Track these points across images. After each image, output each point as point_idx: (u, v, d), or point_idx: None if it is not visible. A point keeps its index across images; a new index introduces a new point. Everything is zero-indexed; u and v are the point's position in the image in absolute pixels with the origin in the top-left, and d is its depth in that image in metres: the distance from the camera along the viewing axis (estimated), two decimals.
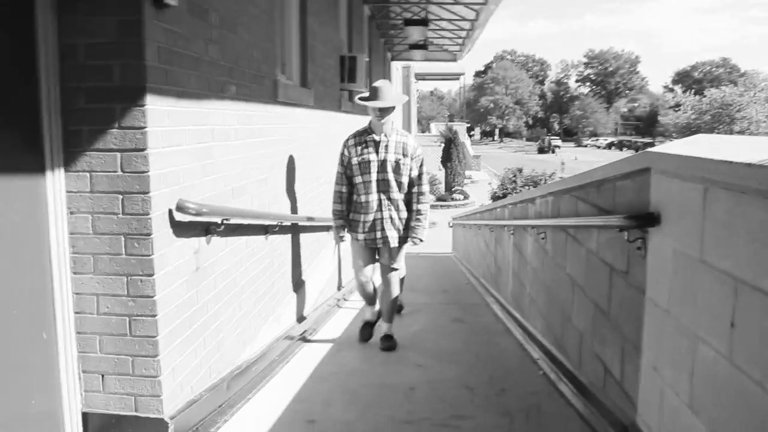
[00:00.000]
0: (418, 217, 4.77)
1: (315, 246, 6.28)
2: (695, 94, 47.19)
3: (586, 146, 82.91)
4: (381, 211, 4.70)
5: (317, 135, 6.53)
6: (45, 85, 2.56)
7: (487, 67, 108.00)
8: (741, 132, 39.38)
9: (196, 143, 3.16)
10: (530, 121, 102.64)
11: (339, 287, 7.41)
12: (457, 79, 57.69)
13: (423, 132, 48.42)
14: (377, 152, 4.66)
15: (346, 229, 4.88)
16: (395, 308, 5.07)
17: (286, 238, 5.13)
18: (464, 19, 16.72)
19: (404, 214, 4.77)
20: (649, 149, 2.59)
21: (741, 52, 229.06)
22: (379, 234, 4.73)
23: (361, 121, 4.77)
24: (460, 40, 20.30)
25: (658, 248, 2.43)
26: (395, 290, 4.93)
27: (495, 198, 21.26)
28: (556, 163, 37.94)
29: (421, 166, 4.77)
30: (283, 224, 4.79)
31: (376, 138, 4.68)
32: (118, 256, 2.71)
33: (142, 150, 2.65)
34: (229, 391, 3.48)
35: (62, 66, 2.61)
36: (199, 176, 3.21)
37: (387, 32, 18.17)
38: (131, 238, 2.70)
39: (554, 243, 4.33)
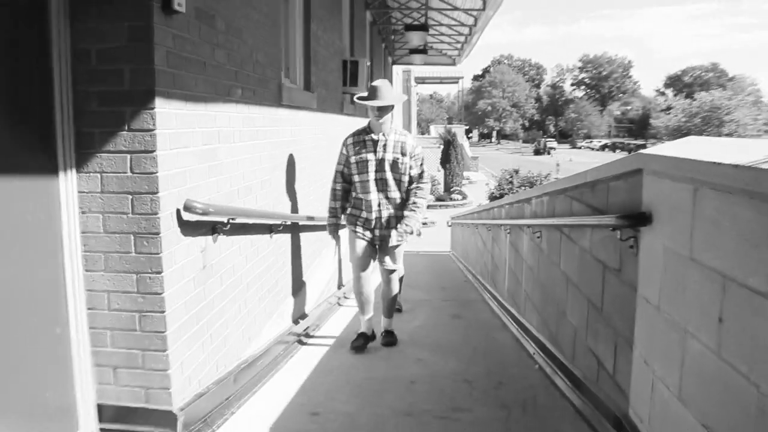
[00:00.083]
0: (413, 208, 4.60)
1: (317, 245, 6.29)
2: (686, 97, 47.28)
3: (580, 148, 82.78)
4: (379, 210, 4.59)
5: (320, 137, 6.54)
6: (58, 88, 2.57)
7: (485, 71, 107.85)
8: (729, 134, 39.40)
9: (202, 145, 3.17)
10: (527, 124, 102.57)
11: (339, 286, 7.42)
12: (456, 82, 57.55)
13: (422, 134, 48.36)
14: (375, 151, 4.55)
15: (339, 229, 4.80)
16: (395, 304, 4.98)
17: (290, 237, 5.13)
18: (463, 25, 16.77)
19: (402, 214, 4.65)
20: (641, 151, 2.60)
21: (729, 57, 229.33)
22: (377, 233, 4.62)
23: (362, 124, 4.76)
24: (458, 45, 20.35)
25: (650, 247, 2.44)
26: (395, 288, 4.86)
27: (492, 198, 21.22)
28: (551, 165, 37.76)
29: (421, 164, 4.64)
30: (287, 224, 4.80)
31: (375, 137, 4.56)
32: (128, 254, 2.73)
33: (151, 152, 2.66)
34: (236, 385, 3.49)
35: (75, 70, 2.62)
36: (206, 177, 3.23)
37: (388, 37, 18.20)
38: (140, 236, 2.71)
39: (549, 241, 4.34)
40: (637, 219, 2.49)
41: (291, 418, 3.33)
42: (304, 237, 5.63)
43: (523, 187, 21.24)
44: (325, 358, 4.47)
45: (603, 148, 78.55)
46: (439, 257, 13.23)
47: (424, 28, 14.87)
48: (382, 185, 4.57)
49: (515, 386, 3.82)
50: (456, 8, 15.18)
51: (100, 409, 2.79)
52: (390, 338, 4.86)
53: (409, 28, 14.80)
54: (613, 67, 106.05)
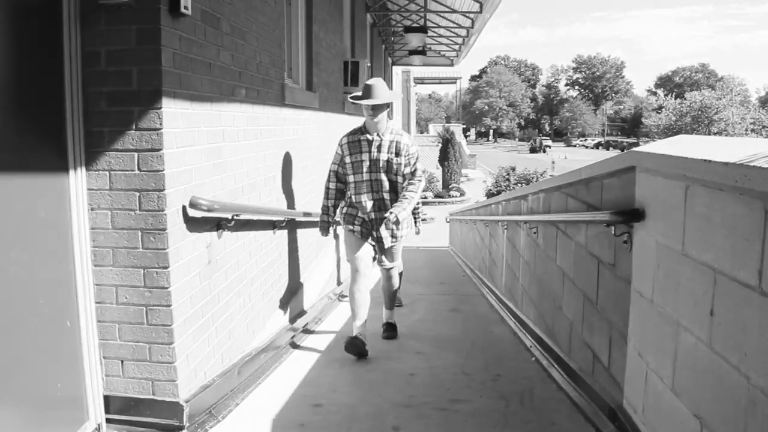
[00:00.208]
0: (401, 200, 4.30)
1: (319, 242, 6.29)
2: (676, 97, 47.13)
3: (575, 146, 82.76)
4: (375, 210, 4.38)
5: (321, 136, 6.53)
6: (69, 89, 2.58)
7: (482, 71, 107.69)
8: (719, 133, 39.38)
9: (208, 143, 3.17)
10: (522, 123, 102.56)
11: (338, 282, 7.41)
12: (454, 82, 57.64)
13: (421, 133, 48.29)
14: (370, 152, 4.33)
15: (332, 228, 4.65)
16: (395, 297, 4.93)
17: (293, 234, 5.13)
18: (461, 27, 16.79)
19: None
20: (634, 149, 2.61)
21: (717, 58, 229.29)
22: (374, 234, 4.46)
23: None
24: (456, 46, 20.33)
25: (643, 242, 2.45)
26: (395, 284, 4.80)
27: (490, 195, 21.23)
28: (547, 162, 37.86)
29: (415, 163, 4.38)
30: (290, 220, 4.80)
31: (370, 137, 4.35)
32: (136, 249, 2.73)
33: (158, 150, 2.66)
34: (240, 377, 3.50)
35: (85, 71, 2.62)
36: (211, 174, 3.23)
37: (388, 39, 18.18)
38: (147, 232, 2.71)
39: (545, 237, 4.34)
40: (630, 215, 2.50)
41: (294, 409, 3.34)
42: (306, 233, 5.63)
43: (519, 184, 21.25)
44: (328, 351, 4.48)
45: (597, 146, 78.58)
46: (438, 253, 13.24)
47: (423, 30, 14.85)
48: (377, 186, 4.36)
49: (513, 378, 3.82)
50: (454, 11, 15.20)
51: (108, 400, 2.79)
52: (391, 332, 4.84)
53: (409, 29, 14.79)
54: (606, 68, 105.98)
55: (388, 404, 3.40)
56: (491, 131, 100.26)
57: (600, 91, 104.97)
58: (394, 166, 4.34)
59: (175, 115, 2.77)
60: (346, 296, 6.37)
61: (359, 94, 4.40)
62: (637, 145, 41.49)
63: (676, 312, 2.11)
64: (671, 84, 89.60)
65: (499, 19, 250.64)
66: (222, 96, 3.37)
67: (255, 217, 3.92)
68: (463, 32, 17.48)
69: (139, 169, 2.68)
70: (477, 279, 8.56)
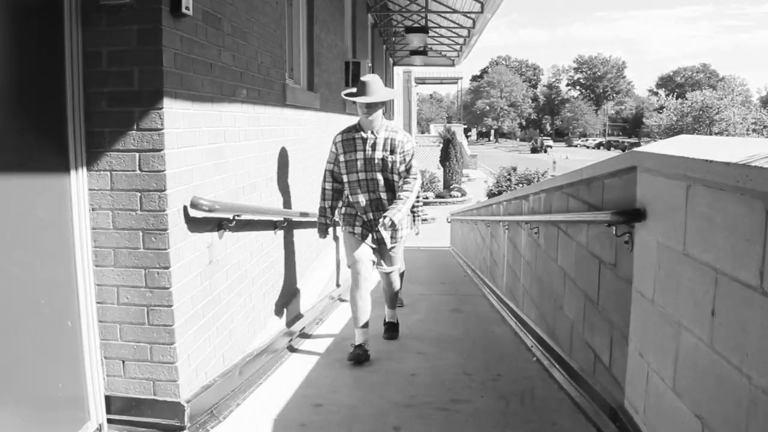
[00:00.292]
0: (396, 202, 4.18)
1: (319, 242, 6.27)
2: (677, 97, 47.12)
3: (576, 146, 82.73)
4: (372, 211, 4.26)
5: (322, 136, 6.52)
6: (70, 89, 2.58)
7: (483, 71, 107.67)
8: (720, 133, 39.34)
9: (209, 143, 3.17)
10: (524, 123, 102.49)
11: (338, 284, 7.40)
12: (455, 83, 57.60)
13: (423, 133, 48.28)
14: (364, 150, 4.19)
15: (329, 228, 4.57)
16: (397, 297, 4.87)
17: (293, 234, 5.13)
18: (462, 27, 16.81)
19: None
20: (636, 149, 2.60)
21: (717, 58, 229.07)
22: (374, 235, 4.32)
23: None
24: (457, 47, 20.34)
25: (644, 242, 2.44)
26: (396, 285, 4.74)
27: (491, 195, 21.23)
28: (548, 162, 37.88)
29: (410, 160, 4.23)
30: (291, 220, 4.79)
31: (364, 135, 4.20)
32: (137, 249, 2.73)
33: (159, 150, 2.66)
34: (241, 377, 3.49)
35: (86, 72, 2.62)
36: (212, 175, 3.22)
37: (389, 39, 18.20)
38: (149, 233, 2.71)
39: (547, 237, 4.34)
40: (631, 215, 2.49)
41: (295, 409, 3.33)
42: (307, 233, 5.63)
43: (520, 184, 21.26)
44: (328, 351, 4.47)
45: (598, 146, 78.53)
46: (439, 253, 13.23)
47: (424, 30, 14.86)
48: (372, 185, 4.22)
49: (514, 378, 3.82)
50: (455, 11, 15.20)
51: (109, 400, 2.79)
52: (393, 332, 4.82)
53: (410, 30, 14.80)
54: (607, 68, 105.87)
55: (389, 404, 3.40)
56: (492, 131, 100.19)
57: (601, 91, 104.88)
58: (390, 164, 4.20)
59: (177, 116, 2.77)
60: (345, 300, 6.30)
61: (354, 90, 4.28)
62: (638, 145, 41.53)
63: (677, 312, 2.10)
64: (672, 84, 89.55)
65: (500, 19, 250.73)
66: (223, 96, 3.37)
67: (256, 218, 3.92)
68: (465, 32, 17.49)
69: (140, 169, 2.68)
70: (478, 279, 8.55)
